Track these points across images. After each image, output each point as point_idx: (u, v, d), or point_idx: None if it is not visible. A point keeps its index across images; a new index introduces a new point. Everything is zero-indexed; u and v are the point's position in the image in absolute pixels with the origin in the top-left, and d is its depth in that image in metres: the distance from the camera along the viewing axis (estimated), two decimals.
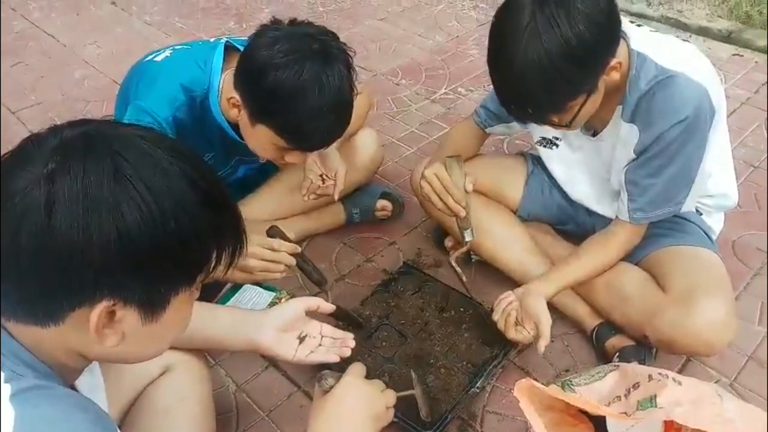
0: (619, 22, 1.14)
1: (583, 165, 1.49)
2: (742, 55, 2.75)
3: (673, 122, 1.20)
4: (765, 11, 2.90)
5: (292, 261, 1.37)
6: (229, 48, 1.40)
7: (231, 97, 1.30)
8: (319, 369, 1.38)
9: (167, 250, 0.63)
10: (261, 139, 1.31)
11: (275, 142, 1.29)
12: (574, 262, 1.40)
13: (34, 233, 0.59)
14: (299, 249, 1.39)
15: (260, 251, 1.33)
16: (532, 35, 1.06)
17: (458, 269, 1.43)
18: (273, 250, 1.35)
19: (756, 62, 2.69)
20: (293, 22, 1.27)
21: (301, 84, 1.19)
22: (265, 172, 1.73)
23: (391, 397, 1.02)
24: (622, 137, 1.30)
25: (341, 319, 1.40)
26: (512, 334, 1.32)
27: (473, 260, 1.71)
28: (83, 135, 0.63)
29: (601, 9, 1.08)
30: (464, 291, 1.49)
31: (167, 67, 1.39)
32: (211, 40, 1.45)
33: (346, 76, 1.25)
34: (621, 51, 1.18)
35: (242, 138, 1.38)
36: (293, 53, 1.19)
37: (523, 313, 1.32)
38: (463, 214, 1.38)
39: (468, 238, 1.40)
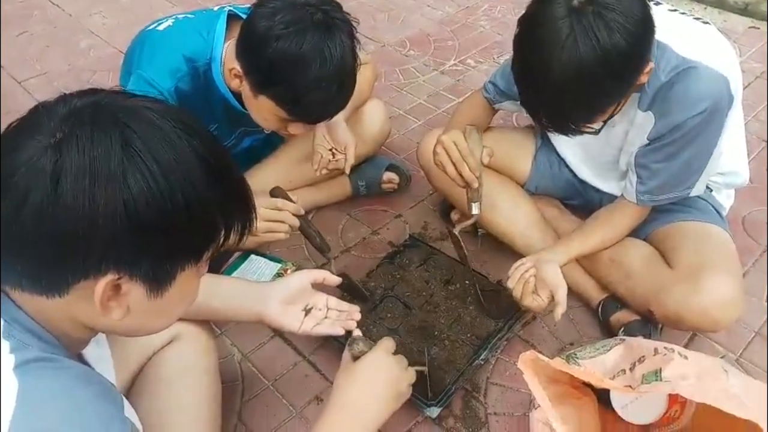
0: (653, 28, 1.09)
1: (591, 147, 1.47)
2: (758, 28, 2.69)
3: (691, 114, 1.17)
4: None
5: (296, 222, 1.36)
6: (232, 17, 1.38)
7: (232, 68, 1.28)
8: (325, 340, 1.41)
9: (174, 224, 0.62)
10: (263, 110, 1.29)
11: (277, 113, 1.28)
12: (580, 236, 1.39)
13: (39, 203, 0.58)
14: (303, 210, 1.38)
15: (264, 211, 1.32)
16: (572, 47, 1.02)
17: (461, 241, 1.42)
18: (277, 209, 1.34)
19: None
20: None
21: (301, 55, 1.17)
22: (271, 143, 1.71)
23: (412, 374, 1.06)
24: (637, 124, 1.28)
25: (346, 290, 1.40)
26: (528, 301, 1.31)
27: (479, 233, 1.70)
28: (92, 105, 0.62)
29: (638, 18, 1.04)
30: (465, 262, 1.48)
31: (169, 37, 1.37)
32: (215, 8, 1.43)
33: (349, 46, 1.23)
34: None
35: (245, 108, 1.37)
36: (294, 24, 1.17)
37: (539, 281, 1.30)
38: (476, 185, 1.36)
39: (475, 211, 1.39)
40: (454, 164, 1.34)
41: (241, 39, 1.25)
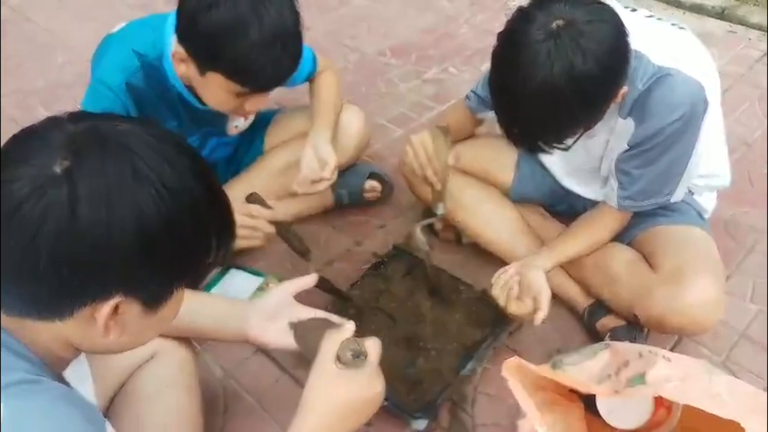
0: (627, 58, 1.12)
1: (572, 156, 1.46)
2: (735, 32, 2.73)
3: (669, 120, 1.19)
4: None
5: (271, 228, 1.34)
6: None
7: (176, 52, 1.25)
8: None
9: (181, 245, 0.65)
10: (215, 91, 1.27)
11: (229, 89, 1.26)
12: (563, 242, 1.40)
13: (55, 233, 0.58)
14: (278, 216, 1.36)
15: (239, 218, 1.29)
16: (547, 71, 1.04)
17: (422, 238, 1.41)
18: (251, 217, 1.32)
19: (750, 39, 2.67)
20: None
21: (237, 19, 1.16)
22: (250, 153, 1.72)
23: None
24: (617, 131, 1.29)
25: (327, 291, 1.38)
26: (513, 308, 1.30)
27: (464, 242, 1.70)
28: (91, 131, 0.63)
29: (611, 48, 1.06)
30: (427, 261, 1.48)
31: (120, 36, 1.36)
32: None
33: (286, 3, 1.22)
34: None
35: (202, 103, 1.35)
36: None
37: (523, 287, 1.30)
38: (439, 186, 1.36)
39: (440, 211, 1.39)
40: (421, 165, 1.35)
41: (178, 18, 1.24)
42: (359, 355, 0.86)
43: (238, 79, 1.24)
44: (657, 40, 1.23)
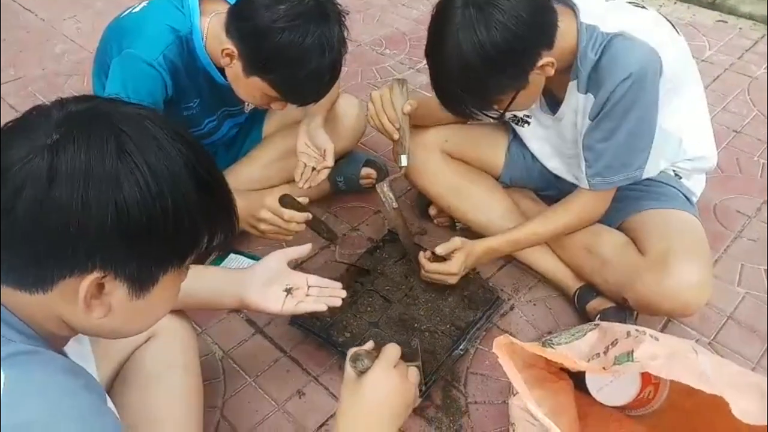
0: (547, 27, 1.16)
1: (552, 141, 1.49)
2: (726, 22, 2.75)
3: (619, 79, 1.19)
4: None
5: (302, 227, 1.43)
6: None
7: (225, 48, 1.29)
8: (305, 336, 1.42)
9: (161, 230, 0.64)
10: (252, 89, 1.33)
11: (268, 93, 1.32)
12: (532, 222, 1.44)
13: (33, 200, 0.59)
14: (309, 216, 1.43)
15: (272, 218, 1.39)
16: (455, 37, 1.10)
17: (389, 194, 1.44)
18: (284, 220, 1.39)
19: (740, 28, 2.69)
20: None
21: (306, 48, 1.22)
22: (249, 137, 1.74)
23: (415, 377, 1.01)
24: (581, 109, 1.30)
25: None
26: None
27: (458, 227, 1.72)
28: (89, 110, 0.64)
29: (522, 19, 1.10)
30: (394, 217, 1.50)
31: (149, 13, 1.38)
32: None
33: (342, 36, 1.28)
34: (569, 29, 1.20)
35: (226, 78, 1.39)
36: (299, 17, 1.21)
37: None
38: (396, 136, 1.39)
39: (403, 163, 1.41)
40: (378, 116, 1.39)
41: (237, 23, 1.27)
42: (357, 360, 0.95)
43: (283, 94, 1.31)
44: (611, 14, 1.24)
